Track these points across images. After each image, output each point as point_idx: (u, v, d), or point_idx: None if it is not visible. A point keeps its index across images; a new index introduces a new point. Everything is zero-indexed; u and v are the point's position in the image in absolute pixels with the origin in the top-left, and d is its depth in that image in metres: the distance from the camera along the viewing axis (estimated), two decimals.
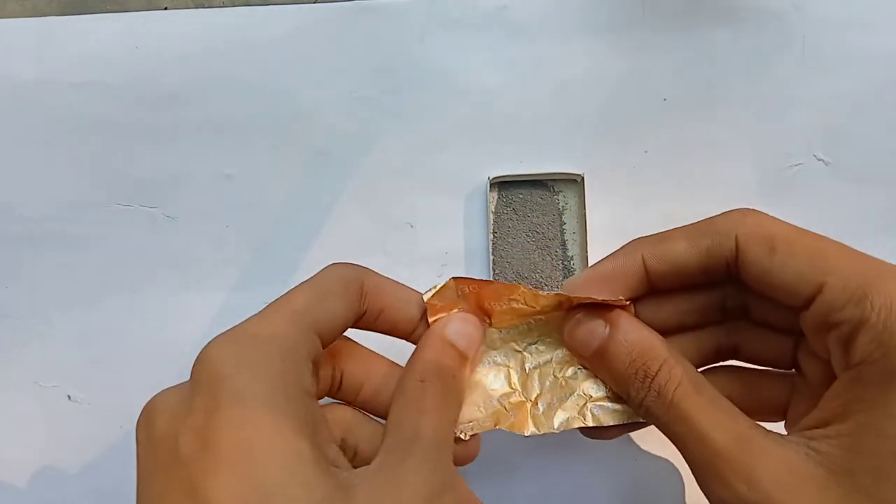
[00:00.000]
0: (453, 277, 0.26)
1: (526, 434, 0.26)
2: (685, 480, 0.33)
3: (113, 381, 0.34)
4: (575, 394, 0.26)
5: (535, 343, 0.27)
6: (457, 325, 0.25)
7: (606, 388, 0.26)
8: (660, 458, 0.33)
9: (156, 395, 0.22)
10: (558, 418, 0.26)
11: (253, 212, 0.34)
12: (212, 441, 0.19)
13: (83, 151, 0.34)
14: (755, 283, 0.24)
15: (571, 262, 0.34)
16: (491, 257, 0.33)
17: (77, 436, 0.33)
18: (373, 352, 0.27)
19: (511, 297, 0.26)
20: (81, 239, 0.34)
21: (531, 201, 0.34)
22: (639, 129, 0.34)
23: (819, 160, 0.34)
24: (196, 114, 0.34)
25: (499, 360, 0.27)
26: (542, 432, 0.26)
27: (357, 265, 0.25)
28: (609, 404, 0.26)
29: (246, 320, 0.22)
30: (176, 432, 0.20)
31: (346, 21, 0.35)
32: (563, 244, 0.34)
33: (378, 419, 0.26)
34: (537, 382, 0.27)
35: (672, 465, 0.33)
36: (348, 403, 0.26)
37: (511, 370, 0.27)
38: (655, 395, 0.24)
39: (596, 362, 0.26)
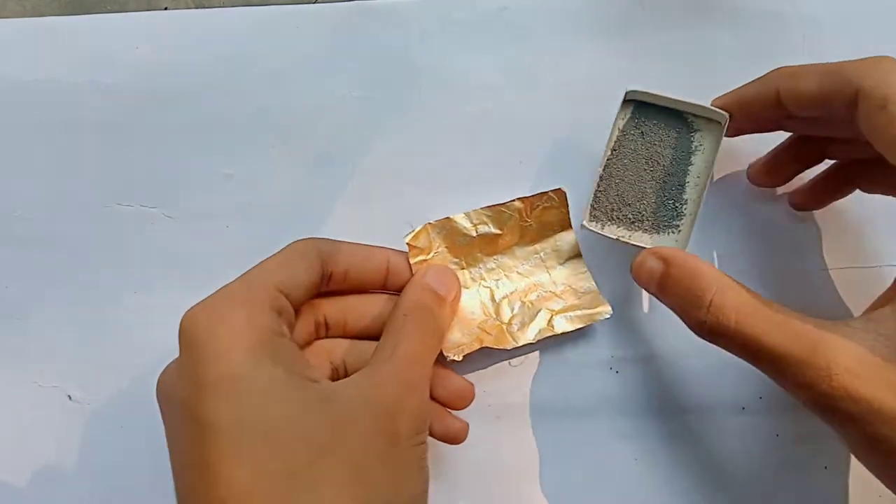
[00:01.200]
0: (428, 222, 0.31)
1: (508, 348, 0.31)
2: (682, 478, 0.33)
3: (113, 381, 0.34)
4: (542, 311, 0.32)
5: (500, 279, 0.33)
6: (434, 274, 0.30)
7: (565, 303, 0.32)
8: (659, 457, 0.33)
9: (163, 370, 0.26)
10: (532, 332, 0.32)
11: (253, 212, 0.34)
12: (201, 382, 0.23)
13: (83, 151, 0.34)
14: (866, 135, 0.26)
15: (683, 207, 0.31)
16: (600, 172, 0.31)
17: (77, 436, 0.33)
18: (351, 295, 0.31)
19: (477, 223, 0.32)
20: (81, 239, 0.34)
21: (664, 131, 0.32)
22: None
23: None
24: (196, 114, 0.34)
25: (473, 296, 0.33)
26: (521, 344, 0.31)
27: (316, 237, 0.29)
28: (570, 313, 0.32)
29: (218, 289, 0.26)
30: (176, 387, 0.25)
31: (346, 21, 0.35)
32: (682, 185, 0.31)
33: (370, 341, 0.29)
34: (507, 308, 0.33)
35: (670, 462, 0.33)
36: (344, 337, 0.31)
37: (484, 302, 0.33)
38: (716, 320, 0.26)
39: (660, 296, 0.29)
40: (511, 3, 0.35)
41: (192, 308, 0.25)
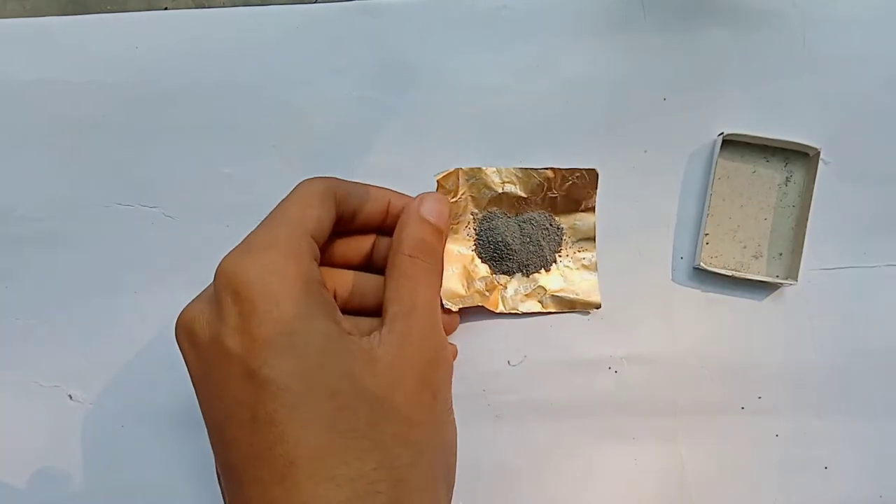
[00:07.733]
0: (460, 168, 0.32)
1: (496, 311, 0.32)
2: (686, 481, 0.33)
3: (113, 381, 0.34)
4: (539, 286, 0.33)
5: None
6: (429, 204, 0.29)
7: (563, 283, 0.33)
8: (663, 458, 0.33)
9: (184, 311, 0.25)
10: (523, 304, 0.33)
11: (253, 212, 0.34)
12: (257, 335, 0.23)
13: (83, 151, 0.34)
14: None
15: (788, 236, 0.33)
16: (707, 212, 0.33)
17: (77, 436, 0.34)
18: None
19: (506, 181, 0.32)
20: (81, 239, 0.34)
21: (759, 167, 0.33)
22: (639, 129, 0.34)
23: (819, 160, 0.34)
24: (196, 114, 0.34)
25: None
26: (507, 310, 0.33)
27: (325, 177, 0.28)
28: (563, 295, 0.33)
29: (249, 235, 0.26)
30: (219, 336, 0.23)
31: (346, 21, 0.35)
32: (783, 217, 0.33)
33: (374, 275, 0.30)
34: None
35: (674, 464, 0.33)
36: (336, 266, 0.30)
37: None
38: None
39: None
40: (511, 2, 0.35)
41: (234, 254, 0.24)
